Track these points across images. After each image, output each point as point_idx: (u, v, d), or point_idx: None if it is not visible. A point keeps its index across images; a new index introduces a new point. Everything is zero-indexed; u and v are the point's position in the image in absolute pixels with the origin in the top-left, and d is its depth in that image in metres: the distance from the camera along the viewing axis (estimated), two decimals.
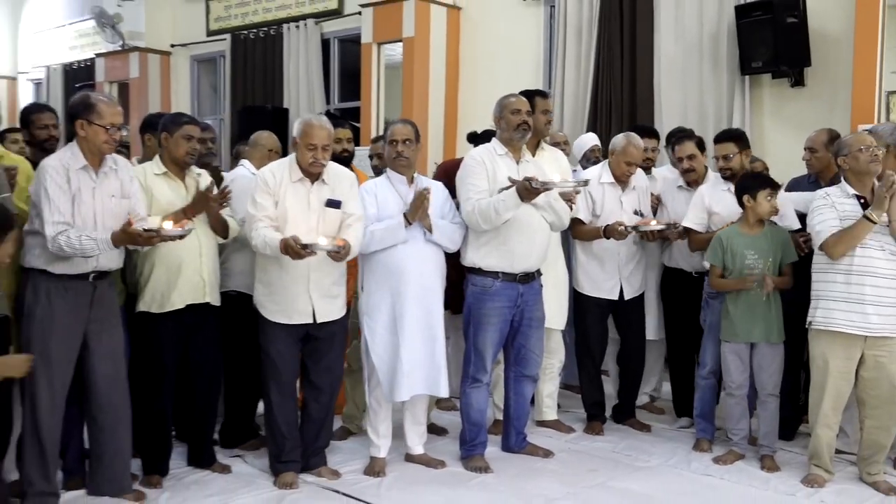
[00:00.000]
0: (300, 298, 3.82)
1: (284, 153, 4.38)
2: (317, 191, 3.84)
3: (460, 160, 4.47)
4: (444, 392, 4.11)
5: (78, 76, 11.07)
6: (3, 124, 8.79)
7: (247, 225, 3.82)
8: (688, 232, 4.54)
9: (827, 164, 4.38)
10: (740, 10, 5.89)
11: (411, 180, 4.10)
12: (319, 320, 3.87)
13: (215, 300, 3.96)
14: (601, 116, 6.80)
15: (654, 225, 4.54)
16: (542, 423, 4.83)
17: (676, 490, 3.93)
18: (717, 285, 4.26)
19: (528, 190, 3.84)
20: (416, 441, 4.24)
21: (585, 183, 4.33)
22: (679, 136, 4.99)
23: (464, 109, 7.58)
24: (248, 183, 4.07)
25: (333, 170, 3.93)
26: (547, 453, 4.35)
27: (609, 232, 4.44)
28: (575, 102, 6.94)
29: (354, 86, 8.30)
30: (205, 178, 3.94)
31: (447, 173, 4.52)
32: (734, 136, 4.60)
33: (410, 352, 3.98)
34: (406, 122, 4.16)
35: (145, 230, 3.34)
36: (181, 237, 3.47)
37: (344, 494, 3.83)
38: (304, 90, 8.70)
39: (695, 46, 6.32)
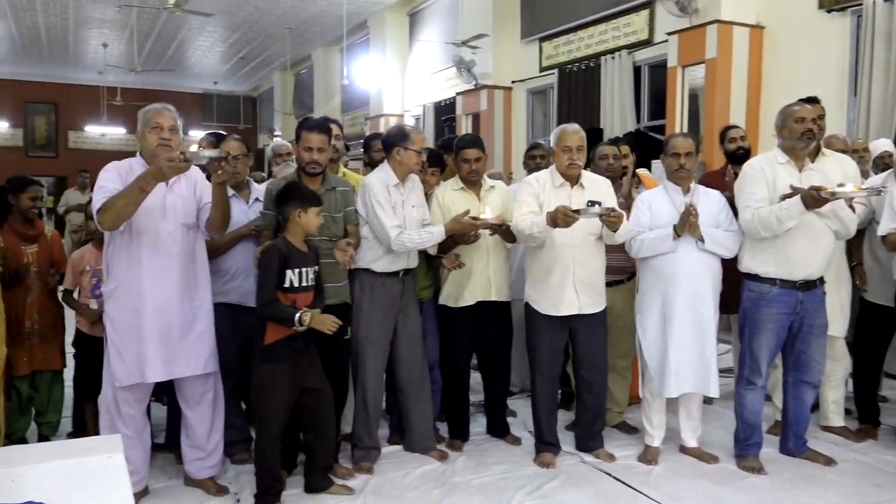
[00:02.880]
0: (567, 291, 3.51)
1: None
2: (576, 194, 3.53)
3: (722, 170, 3.88)
4: (713, 392, 3.55)
5: (444, 111, 11.71)
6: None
7: (514, 222, 3.51)
8: None
9: None
10: None
11: (687, 190, 3.59)
12: (584, 312, 3.54)
13: (502, 297, 3.79)
14: None
15: None
16: (827, 429, 4.02)
17: None
18: None
19: (814, 199, 3.18)
20: (690, 434, 3.74)
21: (878, 192, 3.44)
22: None
23: (765, 123, 6.65)
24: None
25: (590, 176, 3.64)
26: (828, 461, 3.59)
27: None
28: (882, 109, 5.75)
29: (661, 107, 7.72)
30: (500, 189, 3.79)
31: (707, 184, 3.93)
32: None
33: (679, 353, 3.51)
34: (687, 136, 3.66)
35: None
36: (498, 226, 3.46)
37: (615, 478, 3.48)
38: (617, 112, 8.31)
39: None
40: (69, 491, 1.55)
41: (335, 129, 3.76)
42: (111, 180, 2.91)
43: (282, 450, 3.35)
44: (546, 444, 3.68)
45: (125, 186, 2.83)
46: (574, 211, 3.23)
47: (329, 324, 2.98)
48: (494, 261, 3.75)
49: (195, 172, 3.15)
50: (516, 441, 3.91)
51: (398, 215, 3.48)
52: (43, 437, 3.83)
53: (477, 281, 3.72)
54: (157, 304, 3.00)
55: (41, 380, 3.75)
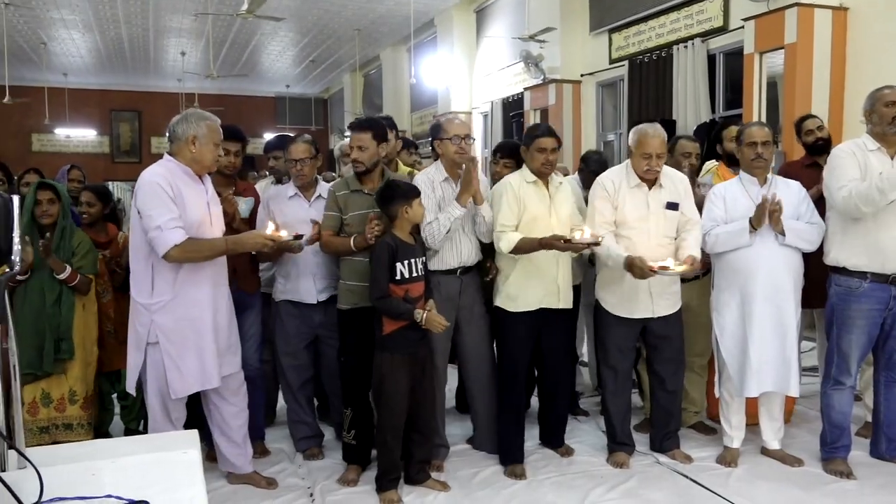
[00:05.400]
0: (641, 295, 3.41)
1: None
2: (655, 195, 3.40)
3: (803, 160, 3.71)
4: (794, 391, 3.39)
5: (512, 107, 11.60)
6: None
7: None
8: None
9: None
10: None
11: (764, 181, 3.42)
12: (658, 314, 3.43)
13: (568, 305, 3.55)
14: None
15: None
16: None
17: None
18: None
19: None
20: (772, 436, 3.58)
21: None
22: None
23: (850, 109, 6.31)
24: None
25: (668, 174, 3.47)
26: None
27: None
28: None
29: (738, 96, 7.43)
30: (567, 186, 3.69)
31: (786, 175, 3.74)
32: None
33: (759, 350, 3.36)
34: (763, 124, 3.48)
35: None
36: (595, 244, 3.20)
37: (691, 480, 3.36)
38: (691, 103, 8.04)
39: None
40: (146, 486, 1.58)
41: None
42: (169, 203, 2.84)
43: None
44: (619, 444, 3.59)
45: (208, 238, 2.95)
46: (652, 269, 3.17)
47: (437, 325, 3.08)
48: (565, 267, 3.51)
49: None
50: (569, 452, 3.68)
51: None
52: (129, 431, 3.98)
53: (545, 286, 3.47)
54: (213, 311, 3.03)
55: (124, 376, 3.87)
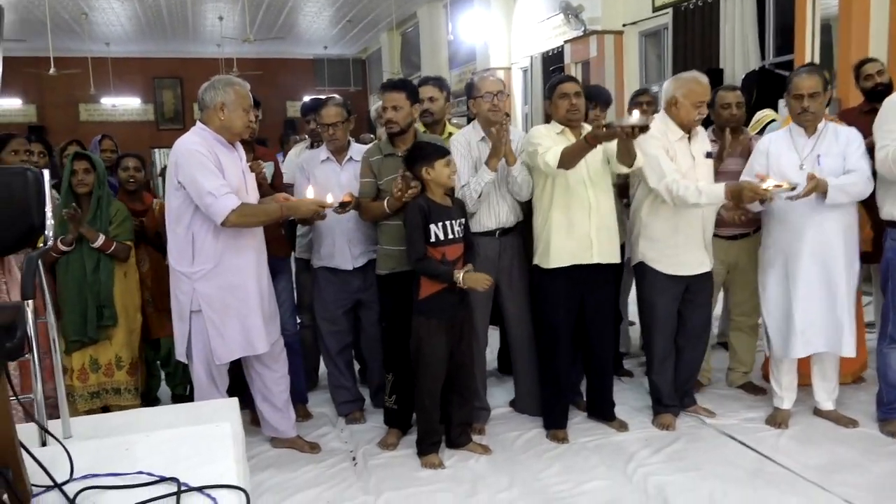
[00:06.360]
0: (694, 251, 3.30)
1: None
2: (695, 146, 3.30)
3: (860, 107, 3.55)
4: (848, 351, 3.23)
5: (552, 61, 11.30)
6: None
7: (654, 180, 3.21)
8: None
9: None
10: None
11: (813, 132, 3.23)
12: (700, 271, 3.34)
13: (606, 259, 3.29)
14: None
15: None
16: None
17: None
18: None
19: None
20: (825, 397, 3.45)
21: None
22: None
23: None
24: None
25: (696, 128, 3.35)
26: None
27: None
28: None
29: (789, 40, 7.07)
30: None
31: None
32: None
33: (805, 310, 3.22)
34: (812, 73, 3.23)
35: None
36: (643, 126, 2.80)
37: (739, 441, 3.26)
38: (739, 50, 7.70)
39: None
40: (177, 461, 1.57)
41: (429, 92, 3.67)
42: (214, 169, 2.82)
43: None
44: (665, 406, 3.50)
45: (259, 203, 3.00)
46: (766, 192, 2.97)
47: (483, 282, 3.00)
48: (598, 217, 3.25)
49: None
50: (623, 427, 3.44)
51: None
52: (175, 397, 4.04)
53: (577, 240, 3.24)
54: (256, 277, 3.02)
55: (164, 344, 3.92)
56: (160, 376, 4.13)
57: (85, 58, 16.22)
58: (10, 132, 3.65)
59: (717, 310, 4.17)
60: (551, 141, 3.20)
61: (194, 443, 1.71)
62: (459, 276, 3.00)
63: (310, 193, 3.08)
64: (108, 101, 18.31)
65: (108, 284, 3.44)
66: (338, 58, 20.23)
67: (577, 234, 3.26)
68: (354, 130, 3.80)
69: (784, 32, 7.41)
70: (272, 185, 3.57)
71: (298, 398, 3.76)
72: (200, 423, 1.85)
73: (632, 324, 4.69)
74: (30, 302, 1.94)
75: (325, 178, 3.50)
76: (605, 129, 2.93)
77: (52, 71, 13.17)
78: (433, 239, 3.06)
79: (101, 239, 3.40)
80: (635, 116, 2.79)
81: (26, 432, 1.62)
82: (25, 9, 13.18)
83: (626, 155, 3.07)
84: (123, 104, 18.94)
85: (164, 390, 4.17)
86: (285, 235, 3.72)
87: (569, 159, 3.08)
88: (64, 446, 1.46)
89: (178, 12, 14.67)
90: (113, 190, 3.82)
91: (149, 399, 4.01)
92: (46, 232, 2.25)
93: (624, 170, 3.22)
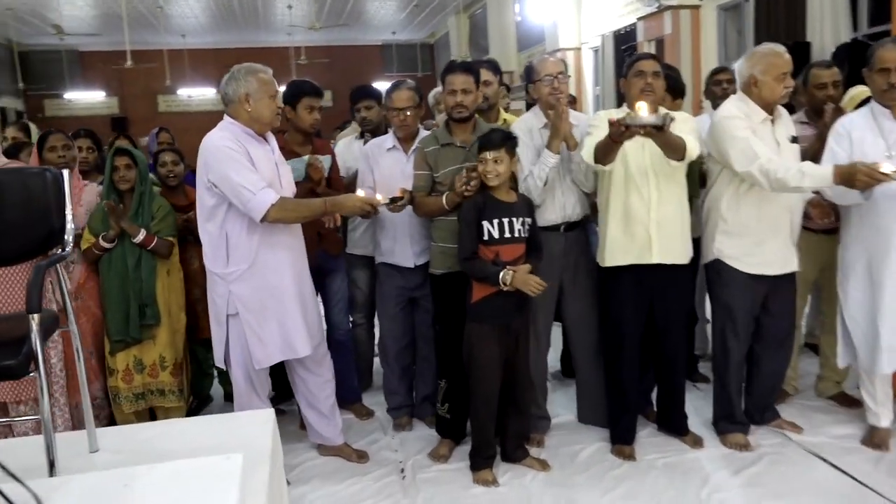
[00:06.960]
0: (780, 247, 2.95)
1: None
2: (779, 130, 2.94)
3: None
4: None
5: (624, 40, 10.79)
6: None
7: (745, 163, 2.81)
8: None
9: None
10: None
11: None
12: (785, 271, 2.96)
13: (669, 259, 2.94)
14: None
15: None
16: None
17: None
18: None
19: None
20: None
21: None
22: None
23: None
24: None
25: (779, 109, 2.96)
26: None
27: None
28: None
29: (884, 9, 6.43)
30: (684, 118, 3.14)
31: None
32: None
33: (893, 321, 2.79)
34: None
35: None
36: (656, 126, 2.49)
37: (831, 465, 2.88)
38: (828, 21, 7.05)
39: None
40: (177, 500, 1.41)
41: (486, 75, 3.40)
42: (247, 165, 2.66)
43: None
44: (736, 424, 3.12)
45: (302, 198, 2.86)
46: (885, 175, 2.49)
47: (533, 285, 2.74)
48: (659, 212, 2.91)
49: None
50: (697, 443, 3.12)
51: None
52: (228, 395, 3.93)
53: (635, 236, 2.93)
54: (294, 277, 2.86)
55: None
56: (213, 374, 4.04)
57: (161, 50, 16.55)
58: (51, 128, 3.56)
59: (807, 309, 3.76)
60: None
61: (199, 479, 1.55)
62: (508, 276, 2.73)
63: (360, 193, 2.92)
64: (184, 92, 18.69)
65: (150, 282, 3.33)
66: (406, 43, 20.07)
67: (634, 231, 2.94)
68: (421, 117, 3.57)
69: (880, 1, 6.76)
70: (328, 179, 3.39)
71: (353, 396, 3.64)
72: (215, 452, 1.67)
73: (708, 322, 4.30)
74: (35, 316, 1.81)
75: (389, 169, 3.30)
76: (623, 127, 2.51)
77: (128, 64, 13.48)
78: (486, 237, 2.81)
79: (143, 234, 3.29)
80: (644, 113, 2.49)
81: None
82: (104, 3, 13.51)
83: (667, 149, 2.75)
84: (199, 95, 19.31)
85: (217, 388, 4.07)
86: (339, 232, 3.54)
87: (602, 155, 2.79)
88: (35, 495, 1.28)
89: (248, 2, 14.77)
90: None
91: (201, 398, 3.93)
92: (66, 237, 2.11)
93: (674, 163, 2.86)
